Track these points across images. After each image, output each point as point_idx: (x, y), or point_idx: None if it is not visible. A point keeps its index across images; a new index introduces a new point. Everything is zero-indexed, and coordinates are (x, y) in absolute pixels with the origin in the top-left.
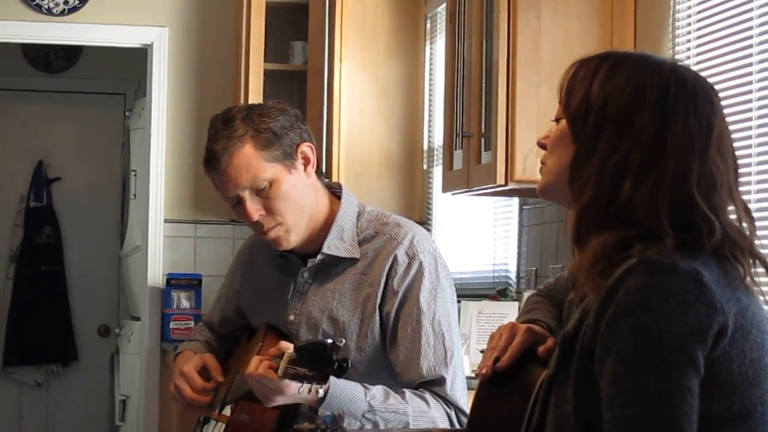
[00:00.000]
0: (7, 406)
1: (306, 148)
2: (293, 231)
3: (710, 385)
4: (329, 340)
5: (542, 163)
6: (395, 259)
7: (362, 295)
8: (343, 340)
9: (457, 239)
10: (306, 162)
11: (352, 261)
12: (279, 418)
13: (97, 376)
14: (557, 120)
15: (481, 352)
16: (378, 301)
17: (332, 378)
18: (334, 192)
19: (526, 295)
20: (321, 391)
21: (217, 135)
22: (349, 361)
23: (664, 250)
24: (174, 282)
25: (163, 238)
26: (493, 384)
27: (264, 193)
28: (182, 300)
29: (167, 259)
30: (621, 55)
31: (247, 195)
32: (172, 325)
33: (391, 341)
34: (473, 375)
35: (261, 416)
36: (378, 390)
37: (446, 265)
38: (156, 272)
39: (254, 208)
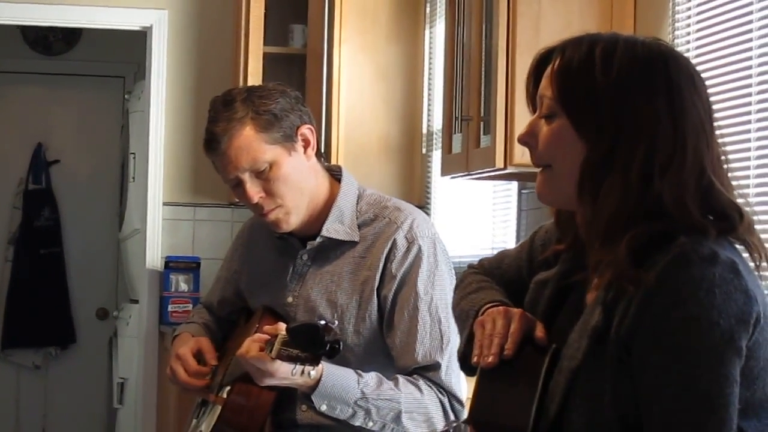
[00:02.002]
0: (6, 389)
1: (306, 130)
2: (293, 213)
3: (741, 373)
4: (322, 322)
5: (539, 165)
6: (394, 243)
7: (360, 279)
8: (336, 322)
9: (456, 223)
10: (306, 144)
11: (352, 244)
12: (275, 400)
13: (95, 359)
14: (548, 117)
15: None
16: (376, 285)
17: (325, 365)
18: (334, 175)
19: None
20: (313, 373)
21: (217, 117)
22: (341, 343)
23: (703, 239)
24: (173, 265)
25: (161, 221)
26: (496, 372)
27: (264, 176)
28: (181, 283)
29: (166, 242)
30: (607, 41)
31: (247, 177)
32: (170, 308)
33: (388, 325)
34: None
35: (257, 398)
36: (371, 377)
37: (446, 250)
38: (155, 255)
39: (254, 191)
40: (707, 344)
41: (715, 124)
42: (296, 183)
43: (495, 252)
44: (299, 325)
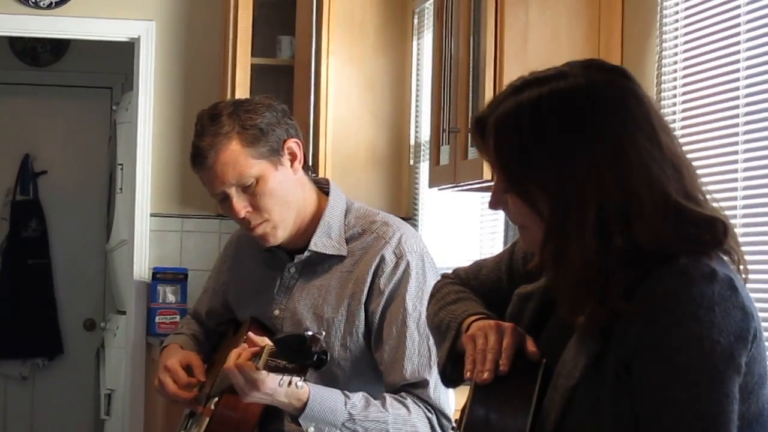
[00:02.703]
0: None
1: (293, 144)
2: (280, 227)
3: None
4: (309, 333)
5: (518, 225)
6: (382, 258)
7: (347, 293)
8: (323, 333)
9: (444, 234)
10: (293, 158)
11: (339, 258)
12: (262, 411)
13: (82, 370)
14: (504, 190)
15: None
16: (363, 299)
17: (312, 386)
18: (322, 187)
19: None
20: (300, 383)
21: (203, 131)
22: (329, 354)
23: (702, 257)
24: (160, 276)
25: (149, 232)
26: (489, 387)
27: (250, 190)
28: (168, 294)
29: (153, 253)
30: (529, 102)
31: (233, 192)
32: (157, 319)
33: (376, 341)
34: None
35: (244, 410)
36: (358, 398)
37: (434, 265)
38: (142, 266)
39: (241, 205)
40: (709, 363)
41: (668, 127)
42: (283, 197)
43: None
44: (286, 336)
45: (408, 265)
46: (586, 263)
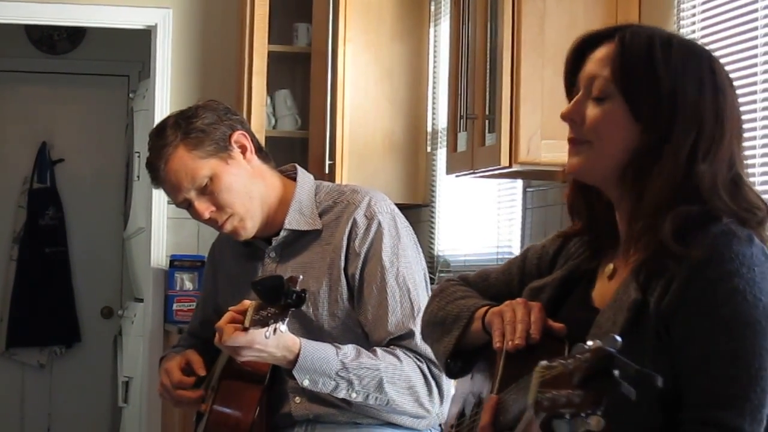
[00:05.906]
0: (10, 388)
1: (239, 136)
2: (247, 219)
3: None
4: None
5: (574, 141)
6: (354, 222)
7: (327, 263)
8: (301, 277)
9: (461, 221)
10: (243, 149)
11: (315, 233)
12: (262, 395)
13: (100, 358)
14: (599, 98)
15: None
16: (342, 265)
17: (303, 339)
18: (289, 174)
19: None
20: (283, 328)
21: (152, 147)
22: (307, 292)
23: (741, 223)
24: (177, 263)
25: (166, 219)
26: (521, 360)
27: (208, 190)
28: (185, 282)
29: (170, 241)
30: (661, 32)
31: (193, 196)
32: (175, 306)
33: (358, 302)
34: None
35: (241, 398)
36: (349, 348)
37: (407, 225)
38: (159, 254)
39: (203, 207)
40: (752, 317)
41: (744, 132)
42: (241, 189)
43: (499, 249)
44: (264, 278)
45: (380, 224)
46: (672, 180)
